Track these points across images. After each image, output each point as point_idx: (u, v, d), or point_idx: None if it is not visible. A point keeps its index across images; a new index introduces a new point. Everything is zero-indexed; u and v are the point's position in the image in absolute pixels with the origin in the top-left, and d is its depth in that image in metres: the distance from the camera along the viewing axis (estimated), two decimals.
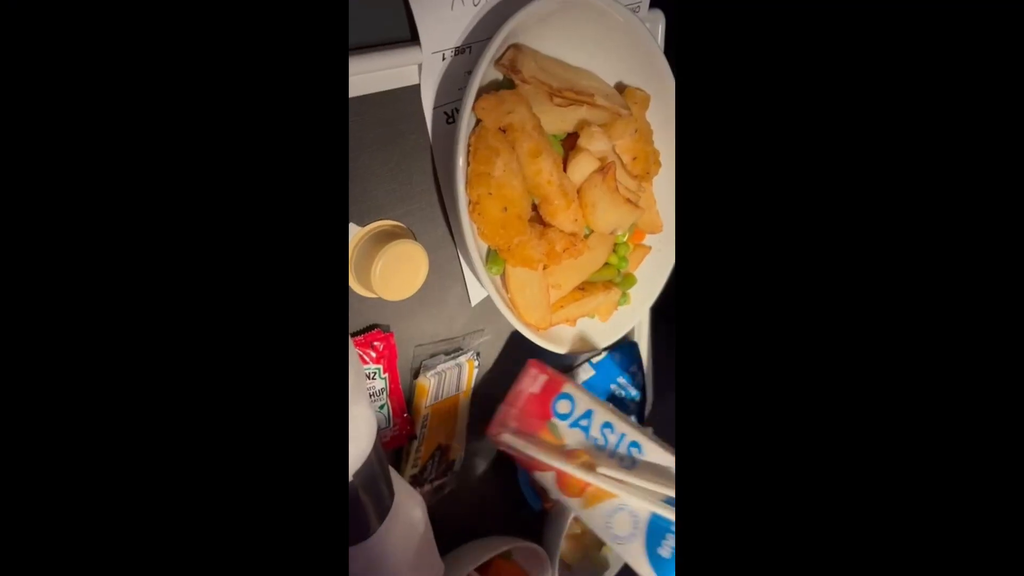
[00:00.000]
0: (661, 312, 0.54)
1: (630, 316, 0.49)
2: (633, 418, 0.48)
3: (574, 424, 0.42)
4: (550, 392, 0.44)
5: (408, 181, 0.38)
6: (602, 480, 0.40)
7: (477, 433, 0.47)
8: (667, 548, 0.38)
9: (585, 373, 0.53)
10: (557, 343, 0.44)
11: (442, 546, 0.40)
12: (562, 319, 0.44)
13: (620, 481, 0.40)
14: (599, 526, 0.39)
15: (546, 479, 0.42)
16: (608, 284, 0.47)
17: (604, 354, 0.53)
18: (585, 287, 0.45)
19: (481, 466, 0.50)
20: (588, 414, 0.42)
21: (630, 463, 0.40)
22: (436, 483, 0.46)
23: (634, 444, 0.41)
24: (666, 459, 0.40)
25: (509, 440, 0.43)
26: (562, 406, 0.43)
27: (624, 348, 0.54)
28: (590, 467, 0.41)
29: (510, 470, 0.52)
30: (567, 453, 0.41)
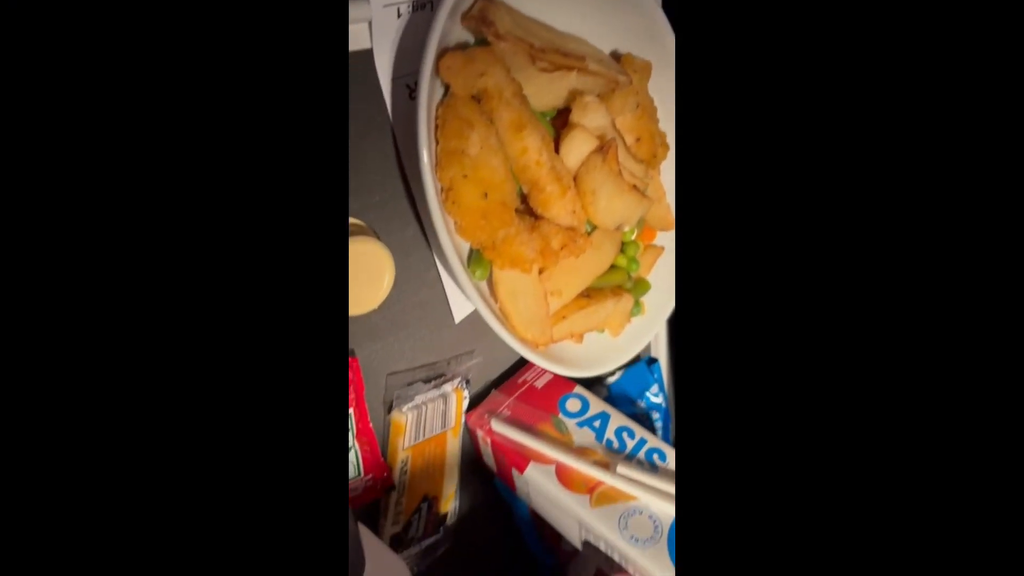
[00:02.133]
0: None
1: (646, 329, 0.41)
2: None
3: (584, 423, 0.37)
4: (558, 389, 0.39)
5: (364, 168, 0.31)
6: (619, 480, 0.34)
7: (472, 479, 0.39)
8: None
9: None
10: (561, 363, 0.36)
11: None
12: (565, 334, 0.37)
13: (641, 483, 0.34)
14: (609, 526, 0.33)
15: (543, 474, 0.35)
16: (618, 290, 0.39)
17: (618, 374, 0.46)
18: (591, 294, 0.38)
19: (479, 519, 0.42)
20: (603, 416, 0.38)
21: (651, 468, 0.35)
22: (425, 543, 0.38)
23: (656, 451, 0.36)
24: None
25: (498, 428, 0.36)
26: (571, 404, 0.38)
27: (641, 366, 0.47)
28: (604, 466, 0.35)
29: (513, 519, 0.43)
30: (576, 450, 0.36)
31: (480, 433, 0.37)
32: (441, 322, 0.36)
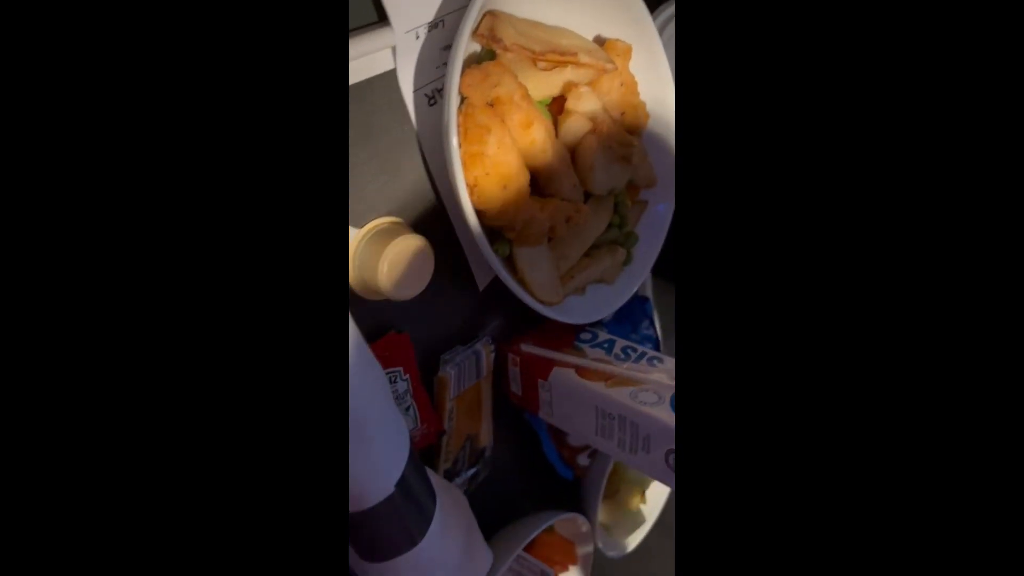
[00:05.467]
0: (660, 269, 0.53)
1: (636, 275, 0.48)
2: None
3: (596, 346, 0.46)
4: (569, 329, 0.47)
5: (398, 173, 0.36)
6: (628, 371, 0.42)
7: (503, 416, 0.47)
8: None
9: None
10: (570, 314, 0.43)
11: (485, 533, 0.40)
12: (573, 289, 0.43)
13: (645, 374, 0.42)
14: (622, 397, 0.40)
15: (566, 376, 0.42)
16: (612, 246, 0.45)
17: (612, 315, 0.52)
18: (590, 252, 0.44)
19: (509, 448, 0.49)
20: (610, 341, 0.46)
21: (652, 366, 0.43)
22: (469, 473, 0.45)
23: (656, 358, 0.44)
24: None
25: (526, 348, 0.44)
26: (583, 336, 0.47)
27: (633, 304, 0.54)
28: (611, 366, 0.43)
29: (536, 446, 0.51)
30: (591, 359, 0.44)
31: (510, 357, 0.45)
32: (467, 292, 0.42)
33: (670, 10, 0.51)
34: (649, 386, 0.40)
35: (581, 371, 0.42)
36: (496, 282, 0.42)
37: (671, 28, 0.50)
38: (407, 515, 0.33)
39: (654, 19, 0.49)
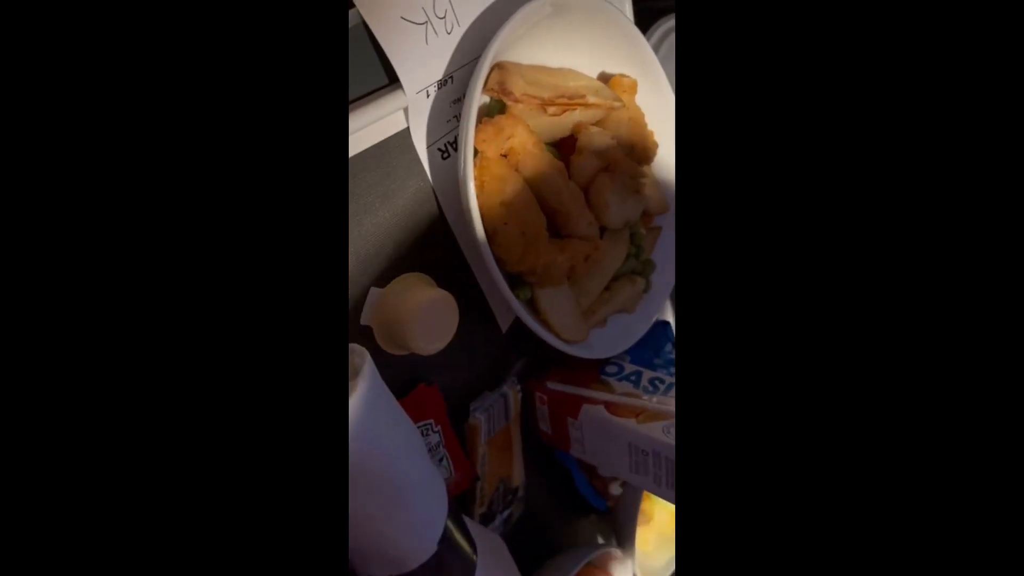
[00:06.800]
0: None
1: (656, 301, 0.48)
2: None
3: (623, 379, 0.45)
4: (594, 363, 0.46)
5: (417, 228, 0.36)
6: (658, 406, 0.41)
7: (534, 455, 0.47)
8: None
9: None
10: (595, 350, 0.43)
11: (524, 574, 0.40)
12: (595, 324, 0.43)
13: (673, 409, 0.41)
14: (656, 432, 0.40)
15: (596, 413, 0.42)
16: (631, 276, 0.45)
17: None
18: (610, 285, 0.44)
19: (541, 484, 0.49)
20: (637, 373, 0.45)
21: None
22: (504, 514, 0.45)
23: None
24: None
25: (553, 386, 0.44)
26: (609, 369, 0.46)
27: (654, 329, 0.53)
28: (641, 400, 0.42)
29: (568, 481, 0.51)
30: (620, 394, 0.43)
31: (538, 395, 0.44)
32: (491, 336, 0.42)
33: (666, 26, 0.51)
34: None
35: (611, 407, 0.42)
36: (519, 322, 0.42)
37: (668, 42, 0.50)
38: (451, 570, 0.33)
39: (649, 36, 0.49)
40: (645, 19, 0.49)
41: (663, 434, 0.39)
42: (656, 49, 0.50)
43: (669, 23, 0.51)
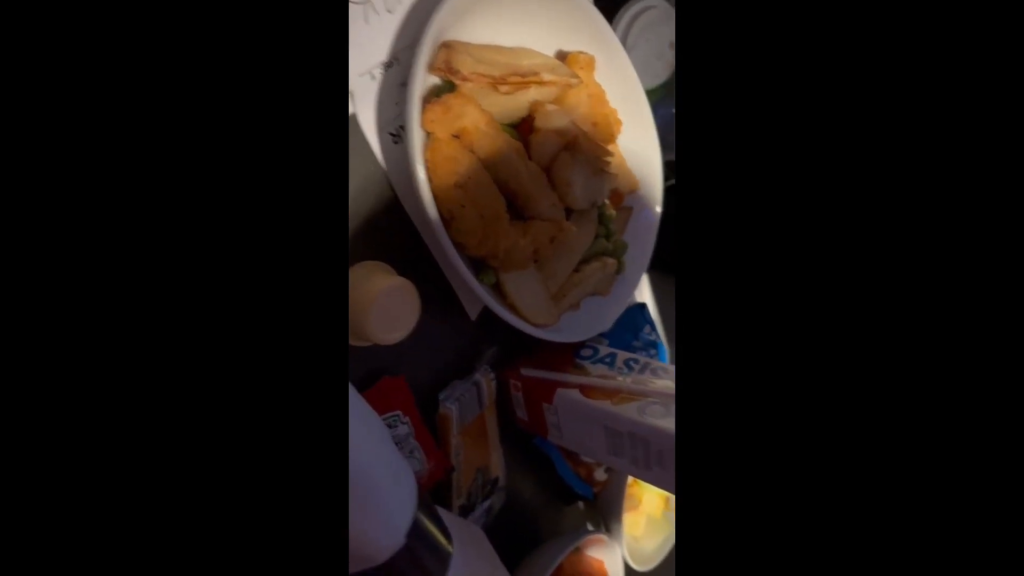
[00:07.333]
0: (656, 266, 0.52)
1: (630, 283, 0.47)
2: None
3: (597, 361, 0.44)
4: (568, 347, 0.45)
5: (372, 215, 0.35)
6: (633, 386, 0.40)
7: (512, 443, 0.46)
8: None
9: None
10: (568, 333, 0.42)
11: (509, 565, 0.39)
12: (567, 307, 0.42)
13: (650, 387, 0.40)
14: (631, 412, 0.39)
15: (571, 397, 0.41)
16: (602, 257, 0.45)
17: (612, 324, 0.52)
18: (580, 267, 0.43)
19: (523, 474, 0.48)
20: (612, 355, 0.44)
21: (656, 377, 0.42)
22: (485, 505, 0.44)
23: (660, 368, 0.43)
24: None
25: (527, 372, 0.43)
26: (584, 352, 0.45)
27: (631, 311, 0.53)
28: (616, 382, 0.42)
29: (551, 468, 0.50)
30: (595, 376, 0.42)
31: (512, 383, 0.44)
32: (460, 324, 0.41)
33: (635, 7, 0.50)
34: (655, 398, 0.39)
35: (586, 390, 0.41)
36: (488, 310, 0.42)
37: (641, 21, 0.49)
38: (424, 562, 0.32)
39: (619, 19, 0.48)
40: (615, 2, 0.48)
41: (637, 414, 0.38)
42: (626, 31, 0.49)
43: (638, 5, 0.50)
